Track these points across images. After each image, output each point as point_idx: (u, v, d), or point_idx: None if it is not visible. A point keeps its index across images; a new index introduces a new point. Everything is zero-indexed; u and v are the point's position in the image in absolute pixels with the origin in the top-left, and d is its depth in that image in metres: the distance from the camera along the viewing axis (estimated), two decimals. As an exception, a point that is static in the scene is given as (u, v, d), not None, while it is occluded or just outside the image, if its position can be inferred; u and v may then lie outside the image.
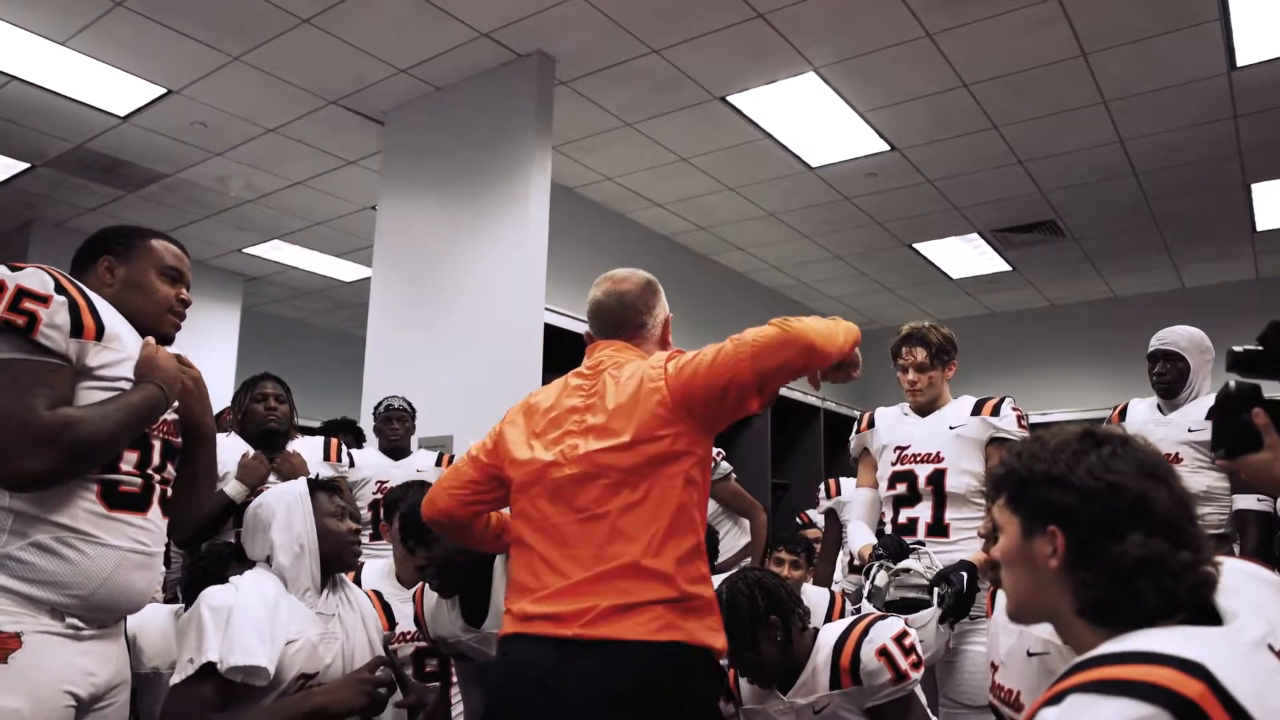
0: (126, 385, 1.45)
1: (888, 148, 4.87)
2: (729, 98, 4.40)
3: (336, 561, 1.84)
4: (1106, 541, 0.93)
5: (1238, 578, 1.04)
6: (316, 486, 1.87)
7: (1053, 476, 0.98)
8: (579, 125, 4.66)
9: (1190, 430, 2.78)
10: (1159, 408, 2.96)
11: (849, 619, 1.93)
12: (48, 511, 1.35)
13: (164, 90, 4.43)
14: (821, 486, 4.15)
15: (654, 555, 1.42)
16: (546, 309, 4.07)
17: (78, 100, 4.52)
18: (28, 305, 1.34)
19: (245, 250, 6.84)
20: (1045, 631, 1.34)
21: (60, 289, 1.38)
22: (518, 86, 4.13)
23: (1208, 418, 2.73)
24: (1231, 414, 1.19)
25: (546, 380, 3.24)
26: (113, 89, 4.41)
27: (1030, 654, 1.40)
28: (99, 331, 1.42)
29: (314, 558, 1.78)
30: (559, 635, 1.41)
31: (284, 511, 1.79)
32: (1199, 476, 2.74)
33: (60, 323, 1.36)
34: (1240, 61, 3.95)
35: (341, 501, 1.88)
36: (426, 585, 2.14)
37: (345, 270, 7.21)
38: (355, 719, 1.64)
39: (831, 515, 3.83)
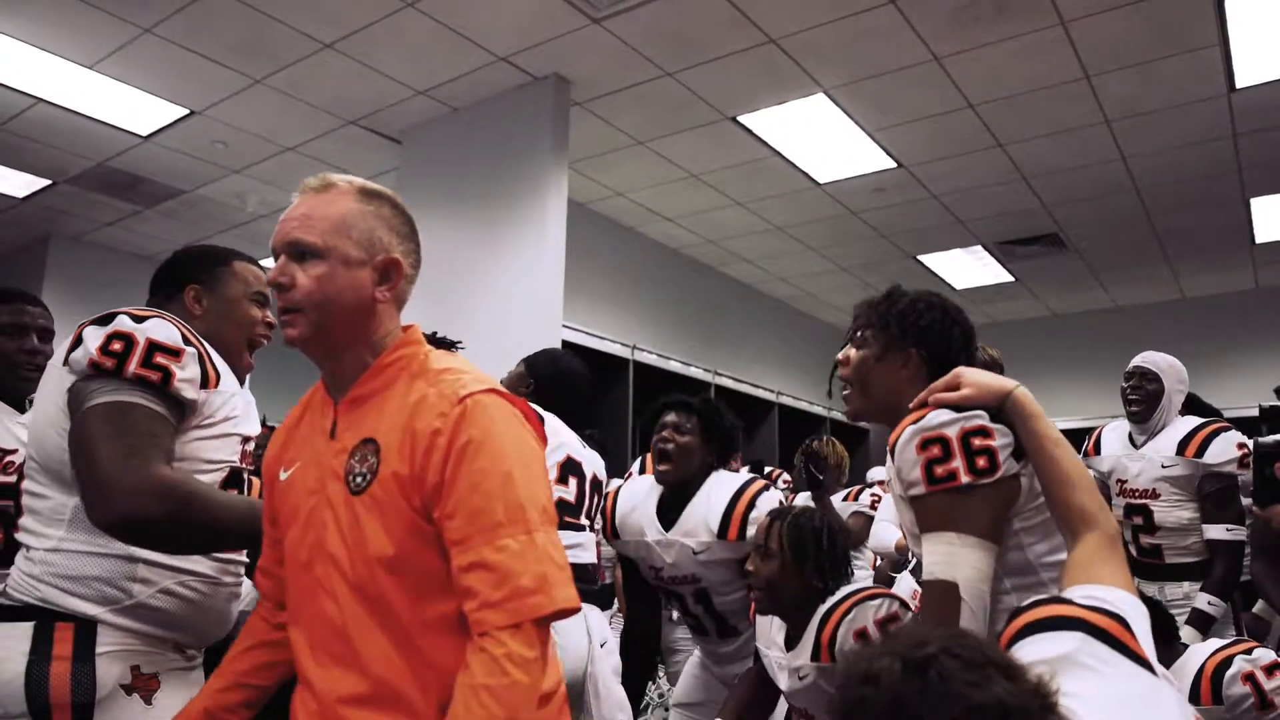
0: (229, 424, 1.44)
1: (895, 165, 4.96)
2: (739, 118, 4.50)
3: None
4: None
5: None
6: None
7: None
8: (592, 144, 4.75)
9: (1164, 466, 2.78)
10: (1130, 437, 2.94)
11: (850, 587, 1.88)
12: (173, 559, 1.38)
13: (186, 111, 4.52)
14: None
15: None
16: (563, 325, 4.17)
17: (101, 121, 4.61)
18: (160, 360, 1.32)
19: (259, 264, 6.91)
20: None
21: (185, 340, 1.37)
22: (534, 108, 4.22)
23: (1178, 452, 2.74)
24: (1259, 469, 1.29)
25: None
26: (136, 110, 4.50)
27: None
28: (218, 379, 1.43)
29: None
30: None
31: None
32: (1179, 511, 2.76)
33: (192, 375, 1.36)
34: (1239, 83, 4.04)
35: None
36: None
37: (357, 282, 7.29)
38: None
39: None
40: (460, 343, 2.37)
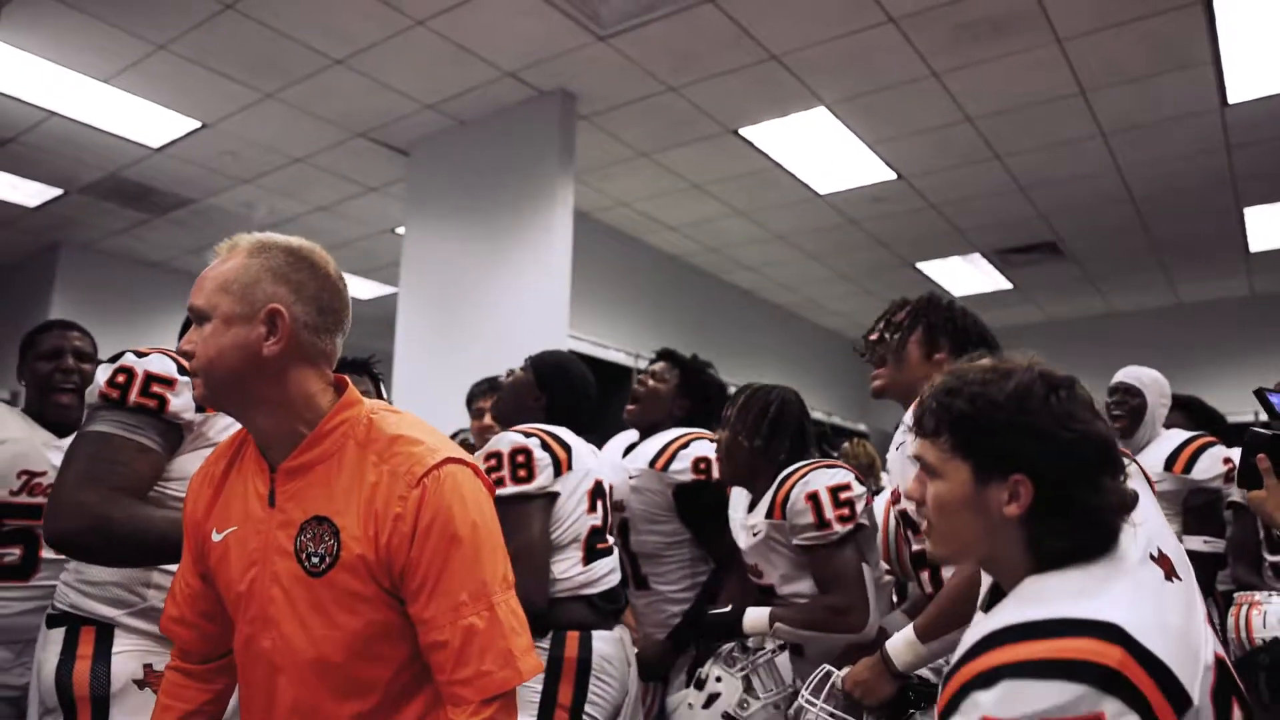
0: None
1: (894, 176, 5.04)
2: (741, 130, 4.58)
3: None
4: (1082, 490, 0.92)
5: None
6: None
7: (1018, 426, 0.94)
8: (596, 156, 4.83)
9: (1154, 483, 2.84)
10: None
11: (811, 460, 2.01)
12: None
13: (198, 124, 4.60)
14: None
15: None
16: (569, 335, 4.24)
17: (114, 134, 4.69)
18: (156, 389, 1.51)
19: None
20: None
21: (183, 370, 1.53)
22: (540, 121, 4.30)
23: (1166, 468, 2.75)
24: (1245, 455, 1.48)
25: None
26: (149, 123, 4.58)
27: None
28: None
29: None
30: None
31: None
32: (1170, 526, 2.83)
33: (186, 402, 1.53)
34: (1232, 99, 4.13)
35: None
36: None
37: (363, 288, 7.38)
38: None
39: None
40: (373, 356, 2.31)
